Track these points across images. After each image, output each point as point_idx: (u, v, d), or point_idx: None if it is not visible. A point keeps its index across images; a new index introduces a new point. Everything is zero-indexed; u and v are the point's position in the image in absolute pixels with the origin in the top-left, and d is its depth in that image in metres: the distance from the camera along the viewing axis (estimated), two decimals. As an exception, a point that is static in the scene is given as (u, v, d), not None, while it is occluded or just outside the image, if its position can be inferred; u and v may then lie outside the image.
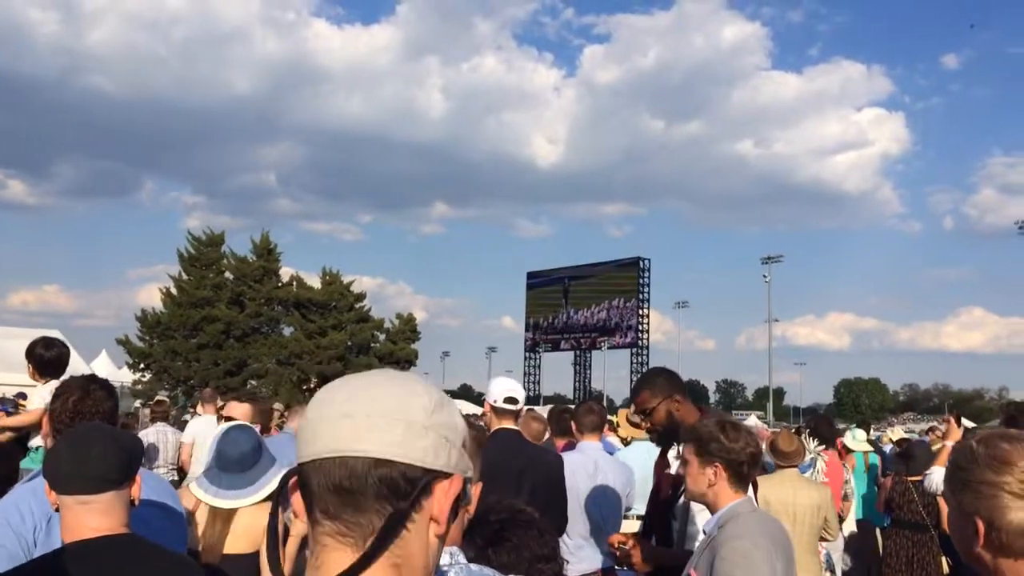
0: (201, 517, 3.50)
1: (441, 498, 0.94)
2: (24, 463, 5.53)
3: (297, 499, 0.96)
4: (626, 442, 8.50)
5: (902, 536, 6.71)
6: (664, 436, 3.39)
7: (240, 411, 4.58)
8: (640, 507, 6.48)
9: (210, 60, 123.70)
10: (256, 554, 3.48)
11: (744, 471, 2.68)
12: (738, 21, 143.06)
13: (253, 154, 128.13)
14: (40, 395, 5.70)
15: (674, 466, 3.28)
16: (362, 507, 0.91)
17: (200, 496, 3.47)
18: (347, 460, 0.91)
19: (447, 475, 0.95)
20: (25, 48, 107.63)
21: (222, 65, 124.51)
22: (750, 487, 2.76)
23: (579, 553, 4.28)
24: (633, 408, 3.37)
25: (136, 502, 2.08)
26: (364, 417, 0.92)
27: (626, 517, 6.48)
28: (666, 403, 3.26)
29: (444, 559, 1.54)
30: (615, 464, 4.81)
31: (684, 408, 3.27)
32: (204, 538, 3.44)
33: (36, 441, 5.59)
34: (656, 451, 7.02)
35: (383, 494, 0.91)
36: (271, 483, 3.52)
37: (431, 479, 0.93)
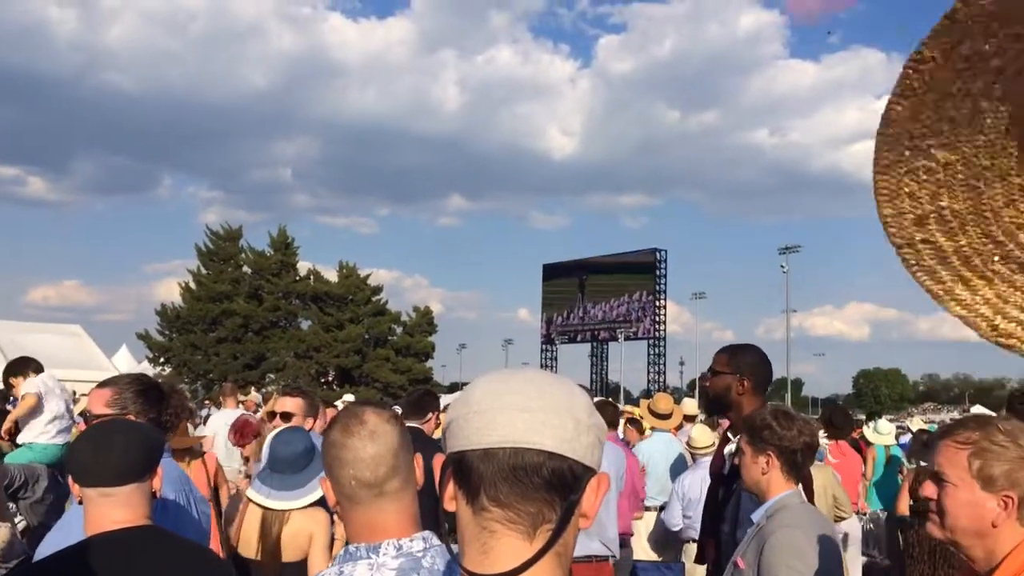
0: (253, 523, 3.30)
1: (591, 495, 0.97)
2: (18, 456, 5.60)
3: (451, 487, 0.98)
4: (641, 432, 8.48)
5: (924, 527, 6.64)
6: (712, 404, 3.48)
7: (292, 405, 4.21)
8: (658, 499, 6.47)
9: (226, 56, 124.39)
10: (304, 562, 3.27)
11: (798, 460, 2.64)
12: (755, 9, 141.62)
13: (269, 149, 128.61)
14: (31, 384, 5.73)
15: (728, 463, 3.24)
16: (531, 497, 0.94)
17: (252, 497, 3.33)
18: (522, 451, 0.94)
19: (595, 473, 0.99)
20: (44, 46, 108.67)
21: (238, 60, 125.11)
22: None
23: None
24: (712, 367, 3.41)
25: (158, 494, 2.09)
26: (540, 412, 0.95)
27: (647, 509, 6.47)
28: (733, 379, 3.21)
29: (418, 544, 1.52)
30: (608, 450, 4.80)
31: (747, 395, 3.20)
32: (262, 544, 3.25)
33: (25, 436, 5.64)
34: (675, 443, 7.06)
35: (553, 486, 0.95)
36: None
37: (589, 476, 0.97)
